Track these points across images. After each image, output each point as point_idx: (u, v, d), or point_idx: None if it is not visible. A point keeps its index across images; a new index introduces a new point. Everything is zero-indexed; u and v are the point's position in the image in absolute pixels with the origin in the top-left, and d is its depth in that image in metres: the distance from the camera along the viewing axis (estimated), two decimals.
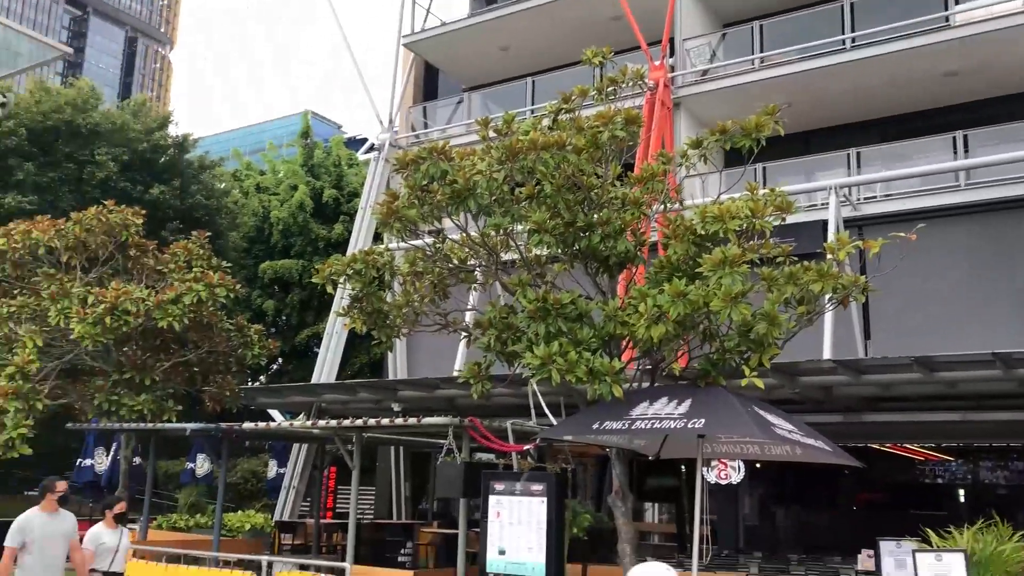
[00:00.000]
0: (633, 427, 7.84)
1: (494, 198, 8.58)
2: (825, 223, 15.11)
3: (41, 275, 13.99)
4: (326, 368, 20.22)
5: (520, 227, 9.08)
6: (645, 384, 9.05)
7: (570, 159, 8.26)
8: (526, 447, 9.57)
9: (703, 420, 7.54)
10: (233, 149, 37.36)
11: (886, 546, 9.31)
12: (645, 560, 12.49)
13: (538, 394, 9.86)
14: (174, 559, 11.58)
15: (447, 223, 9.65)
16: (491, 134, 9.02)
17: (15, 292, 13.87)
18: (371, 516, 20.40)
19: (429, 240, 9.94)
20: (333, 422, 11.30)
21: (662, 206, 9.25)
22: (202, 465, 16.13)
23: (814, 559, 14.41)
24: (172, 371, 14.11)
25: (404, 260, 10.01)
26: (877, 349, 14.88)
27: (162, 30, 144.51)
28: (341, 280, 9.99)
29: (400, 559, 14.44)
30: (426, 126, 23.26)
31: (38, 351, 12.56)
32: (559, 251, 8.68)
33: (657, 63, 17.85)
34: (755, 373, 7.90)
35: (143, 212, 14.93)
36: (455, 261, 9.88)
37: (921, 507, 17.53)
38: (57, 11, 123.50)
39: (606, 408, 8.16)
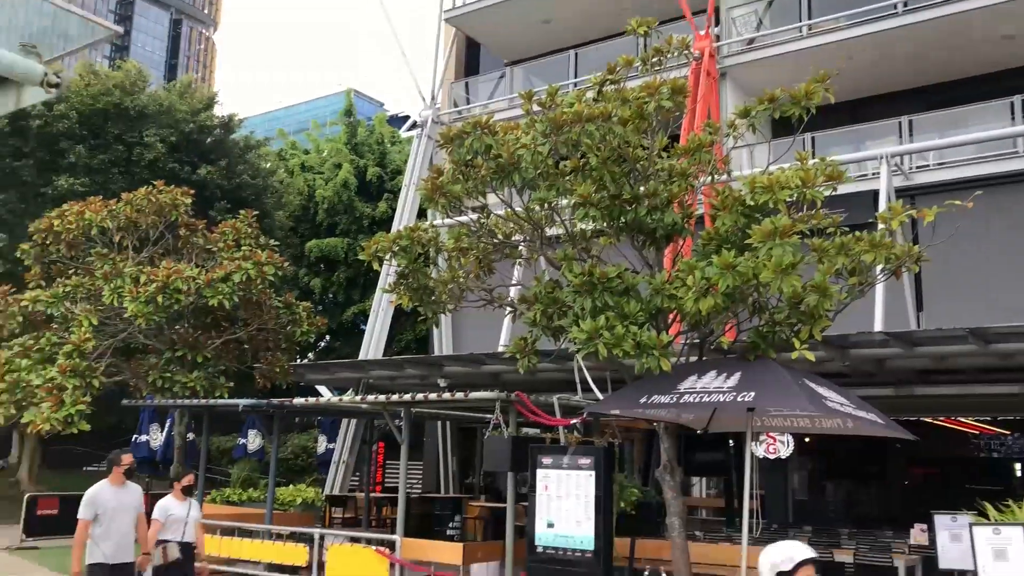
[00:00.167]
0: (681, 401, 7.79)
1: (539, 172, 8.53)
2: (876, 193, 14.80)
3: (94, 255, 14.27)
4: (373, 344, 20.40)
5: (565, 201, 9.02)
6: (693, 359, 8.98)
7: (616, 131, 8.17)
8: (573, 421, 9.57)
9: (753, 393, 7.47)
10: (278, 129, 37.65)
11: (941, 520, 9.17)
12: (694, 535, 12.47)
13: (584, 369, 9.83)
14: (228, 532, 11.83)
15: (491, 198, 9.63)
16: (535, 108, 8.95)
17: (70, 272, 14.17)
18: (419, 490, 20.62)
19: (473, 216, 9.94)
20: (382, 397, 11.40)
21: (709, 177, 9.12)
22: (254, 440, 16.41)
23: (865, 533, 14.25)
24: (223, 348, 14.33)
25: (449, 236, 10.02)
26: (930, 321, 14.60)
27: (206, 11, 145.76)
28: (387, 257, 10.04)
29: (448, 532, 14.57)
30: (468, 102, 23.18)
31: (93, 330, 12.82)
32: (605, 224, 8.61)
33: (702, 32, 17.57)
34: (805, 346, 7.79)
35: (191, 192, 15.12)
36: (500, 236, 9.87)
37: (975, 481, 17.22)
38: None
39: (654, 382, 8.12)
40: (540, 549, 8.53)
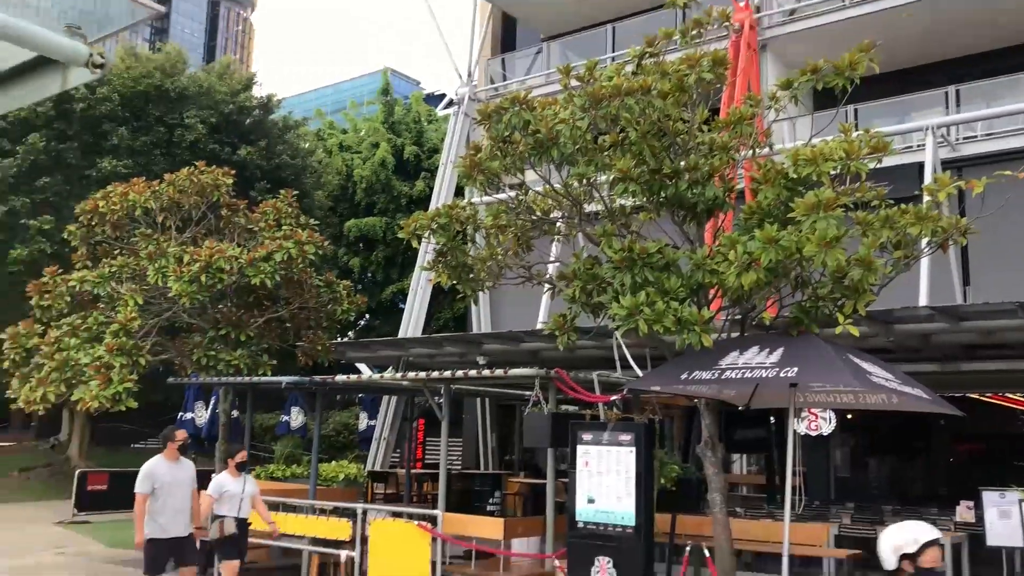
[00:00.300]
0: (723, 377, 7.74)
1: (577, 147, 8.47)
2: (921, 165, 14.53)
3: (139, 236, 14.49)
4: (412, 323, 20.53)
5: (604, 177, 8.96)
6: (734, 335, 8.90)
7: (655, 104, 8.08)
8: (613, 398, 9.55)
9: (796, 369, 7.40)
10: (315, 109, 37.84)
11: (989, 497, 9.05)
12: (735, 511, 12.42)
13: (623, 346, 9.79)
14: (273, 507, 12.01)
15: (529, 175, 9.60)
16: (573, 82, 8.88)
17: (115, 253, 14.40)
18: (459, 466, 20.78)
19: (511, 193, 9.91)
20: (422, 374, 11.47)
21: (751, 151, 9.00)
22: (296, 417, 16.62)
23: (909, 510, 14.09)
24: (266, 327, 14.50)
25: (487, 213, 10.01)
26: (977, 294, 14.34)
27: None
28: (426, 234, 10.06)
29: (488, 508, 14.67)
30: (505, 78, 23.08)
31: (139, 309, 13.02)
32: (644, 200, 8.54)
33: (742, 4, 17.29)
34: (849, 321, 7.68)
35: (232, 172, 15.27)
36: (538, 213, 9.83)
37: (1023, 458, 16.93)
38: None
39: (695, 358, 8.07)
40: (581, 524, 8.56)
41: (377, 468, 18.41)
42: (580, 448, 8.70)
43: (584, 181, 8.92)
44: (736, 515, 12.43)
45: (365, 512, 10.99)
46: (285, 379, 12.82)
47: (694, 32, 9.13)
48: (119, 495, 18.57)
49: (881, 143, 7.72)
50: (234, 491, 9.23)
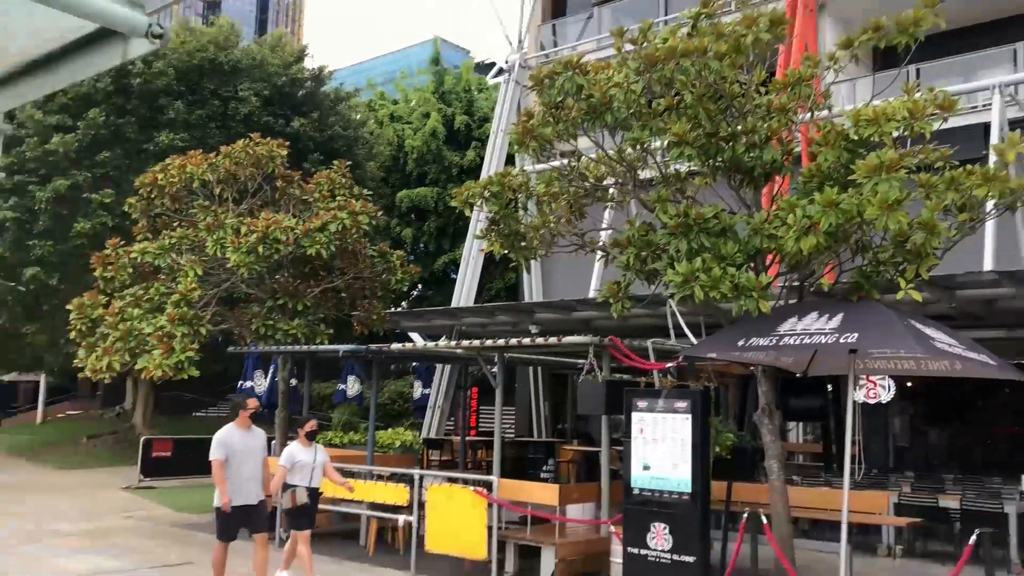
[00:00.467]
0: (781, 343, 7.64)
1: (631, 111, 8.37)
2: (987, 126, 14.08)
3: (197, 208, 14.74)
4: (464, 293, 20.62)
5: (658, 142, 8.85)
6: (791, 302, 8.78)
7: (711, 66, 7.93)
8: (668, 365, 9.50)
9: (856, 334, 7.27)
10: (367, 80, 37.93)
11: None
12: (791, 479, 12.31)
13: (677, 314, 9.73)
14: None
15: (582, 142, 9.52)
16: (627, 46, 8.76)
17: (175, 225, 14.67)
18: (512, 434, 20.92)
19: (563, 160, 9.85)
20: (476, 342, 11.53)
21: (809, 113, 8.80)
22: (353, 386, 16.85)
23: (971, 480, 13.85)
24: (322, 297, 14.68)
25: (540, 180, 9.97)
26: None
27: None
28: (478, 203, 10.06)
29: (542, 475, 14.78)
30: (555, 45, 22.86)
31: (198, 280, 13.28)
32: (700, 164, 8.42)
33: None
34: (911, 285, 7.52)
35: (287, 144, 15.41)
36: (591, 180, 9.77)
37: None
38: None
39: (752, 324, 7.98)
40: (636, 491, 8.57)
41: (432, 435, 18.63)
42: (635, 415, 8.68)
43: (638, 146, 8.83)
44: (792, 483, 12.34)
45: (422, 478, 11.14)
46: (342, 347, 12.99)
47: None
48: (182, 462, 19.12)
49: (947, 101, 7.50)
50: (306, 461, 9.33)
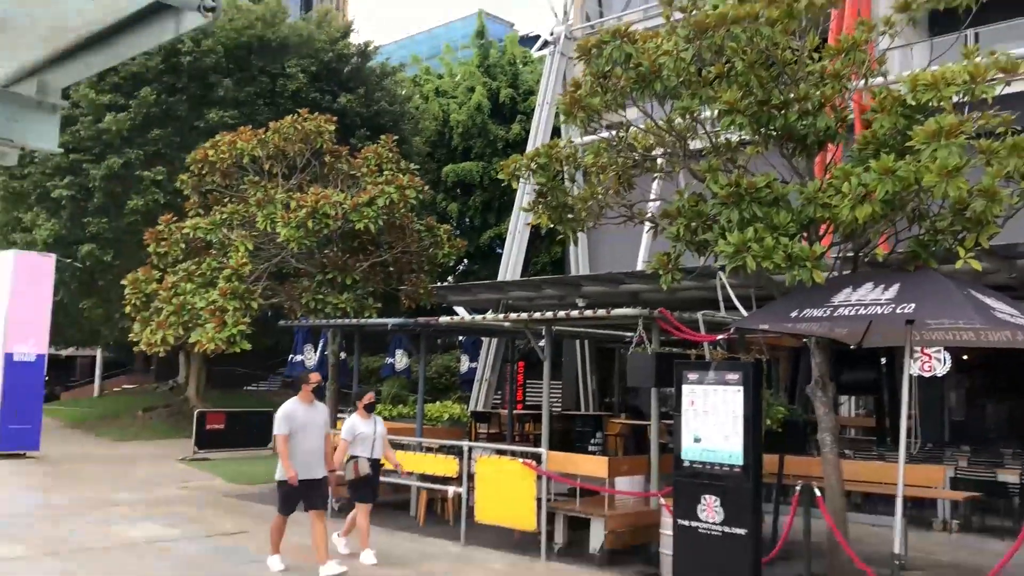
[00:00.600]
0: (835, 314, 7.52)
1: (681, 80, 8.24)
2: None
3: (247, 183, 14.91)
4: (510, 267, 20.64)
5: (708, 112, 8.72)
6: (845, 273, 8.62)
7: (763, 32, 7.77)
8: (719, 337, 9.41)
9: (913, 305, 7.13)
10: (411, 54, 37.91)
11: None
12: (844, 453, 12.16)
13: (727, 286, 9.61)
14: None
15: (630, 113, 9.41)
16: (676, 14, 8.61)
17: (225, 200, 14.86)
18: (559, 408, 20.96)
19: (611, 132, 9.74)
20: (524, 315, 11.54)
21: (863, 80, 8.59)
22: (400, 359, 16.98)
23: None
24: (370, 271, 14.79)
25: (588, 151, 9.88)
26: None
27: None
28: (525, 175, 10.02)
29: (590, 448, 14.79)
30: (601, 15, 22.62)
31: (249, 254, 13.46)
32: (751, 132, 8.28)
33: None
34: (971, 254, 7.33)
35: (334, 119, 15.49)
36: (639, 150, 9.66)
37: None
38: None
39: (805, 295, 7.86)
40: (687, 463, 8.52)
41: (479, 409, 18.73)
42: (686, 387, 8.61)
43: (688, 116, 8.70)
44: (845, 457, 12.19)
45: (471, 450, 11.21)
46: (391, 321, 13.08)
47: None
48: (235, 434, 19.51)
49: (1011, 64, 7.26)
50: (366, 432, 9.40)
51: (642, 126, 9.40)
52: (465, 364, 19.17)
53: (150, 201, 21.76)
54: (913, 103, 7.35)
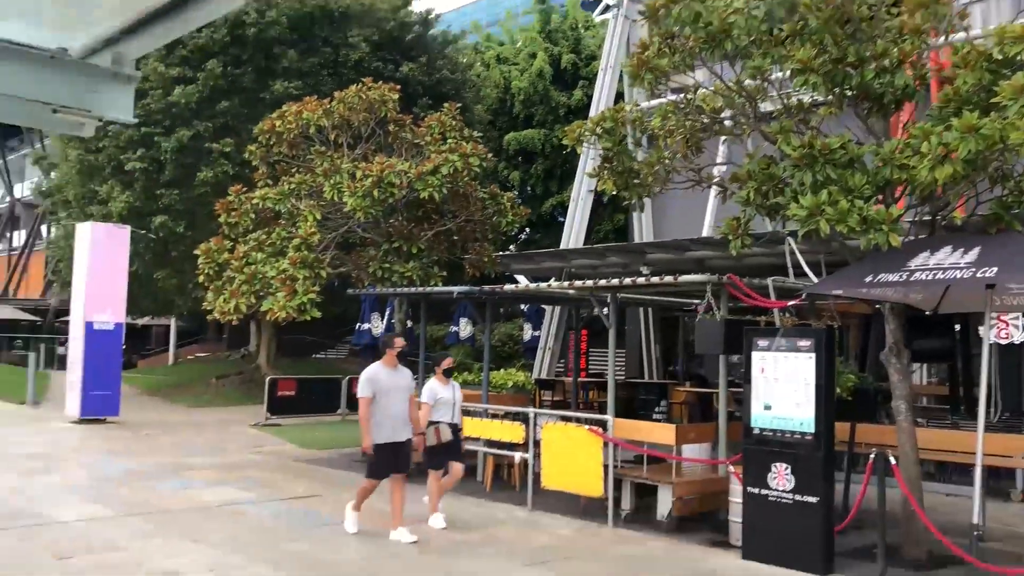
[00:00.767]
0: (911, 279, 7.32)
1: (752, 39, 8.05)
2: None
3: (313, 153, 15.07)
4: (573, 234, 20.53)
5: (780, 72, 8.50)
6: (922, 236, 8.37)
7: None
8: (791, 303, 9.23)
9: (994, 268, 6.90)
10: (472, 22, 37.71)
11: None
12: (917, 421, 11.89)
13: (796, 252, 9.42)
14: None
15: (698, 75, 9.23)
16: None
17: (293, 171, 15.06)
18: (623, 376, 20.89)
19: (677, 96, 9.57)
20: (589, 283, 11.48)
21: (943, 36, 8.27)
22: (465, 328, 17.08)
23: None
24: (435, 239, 14.87)
25: (655, 114, 9.73)
26: None
27: None
28: (590, 139, 9.92)
29: (655, 416, 14.73)
30: None
31: (317, 224, 13.64)
32: (825, 92, 8.04)
33: None
34: None
35: (398, 88, 15.52)
36: (708, 113, 9.47)
37: None
38: None
39: (881, 260, 7.67)
40: (757, 431, 8.43)
41: (543, 376, 18.78)
42: (756, 354, 8.51)
43: (759, 76, 8.49)
44: (918, 425, 11.91)
45: (536, 416, 11.25)
46: (456, 288, 13.15)
47: None
48: (306, 400, 19.91)
49: None
50: (447, 397, 9.43)
51: (711, 88, 9.20)
52: (528, 332, 19.21)
53: (219, 172, 22.14)
54: (1000, 57, 7.06)
